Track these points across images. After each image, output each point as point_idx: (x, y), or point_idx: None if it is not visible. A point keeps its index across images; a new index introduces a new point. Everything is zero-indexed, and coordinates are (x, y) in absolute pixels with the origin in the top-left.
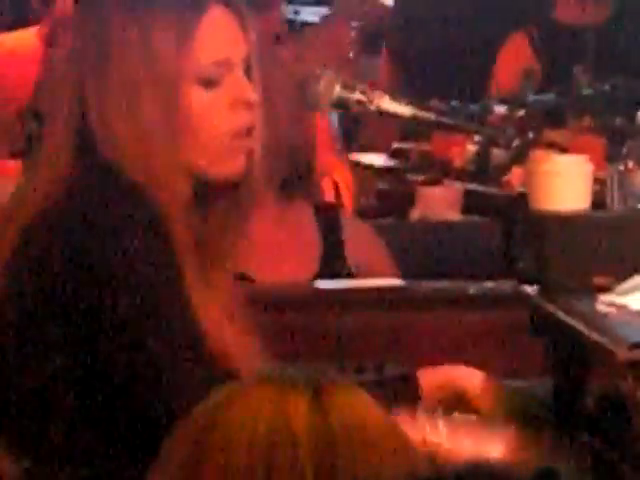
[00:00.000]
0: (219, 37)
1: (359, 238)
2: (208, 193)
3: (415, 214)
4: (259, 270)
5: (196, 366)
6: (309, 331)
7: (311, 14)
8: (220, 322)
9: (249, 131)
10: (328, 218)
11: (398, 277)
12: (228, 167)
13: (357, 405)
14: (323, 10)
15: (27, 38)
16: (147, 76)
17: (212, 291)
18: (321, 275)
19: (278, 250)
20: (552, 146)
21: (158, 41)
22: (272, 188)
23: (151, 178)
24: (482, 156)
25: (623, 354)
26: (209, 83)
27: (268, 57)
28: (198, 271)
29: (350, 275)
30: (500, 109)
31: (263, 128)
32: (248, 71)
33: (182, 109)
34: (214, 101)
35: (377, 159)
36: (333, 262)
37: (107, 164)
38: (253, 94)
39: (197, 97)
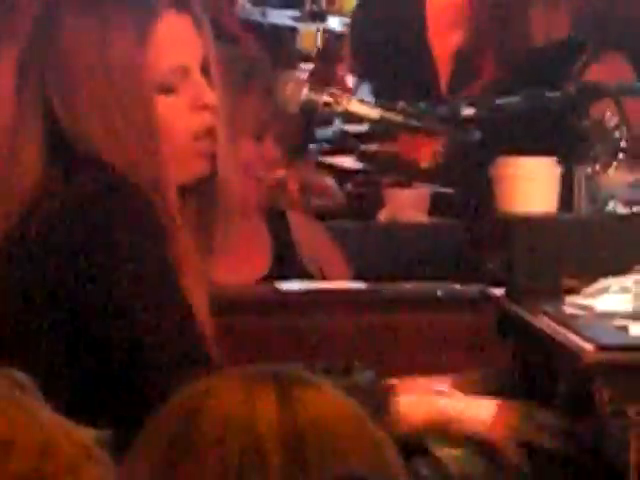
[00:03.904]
0: (174, 43)
1: (311, 236)
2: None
3: (383, 216)
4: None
5: (187, 348)
6: (273, 334)
7: (279, 17)
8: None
9: (209, 131)
10: (275, 217)
11: (348, 275)
12: (191, 170)
13: (325, 402)
14: (291, 12)
15: None
16: (108, 87)
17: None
18: (275, 275)
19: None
20: None
21: (114, 52)
22: None
23: (133, 176)
24: (450, 158)
25: (590, 356)
26: (167, 89)
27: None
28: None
29: (306, 274)
30: (468, 111)
31: (223, 128)
32: (206, 72)
33: (146, 116)
34: (174, 106)
35: (345, 161)
36: (286, 261)
37: (86, 160)
38: (211, 96)
39: (157, 104)
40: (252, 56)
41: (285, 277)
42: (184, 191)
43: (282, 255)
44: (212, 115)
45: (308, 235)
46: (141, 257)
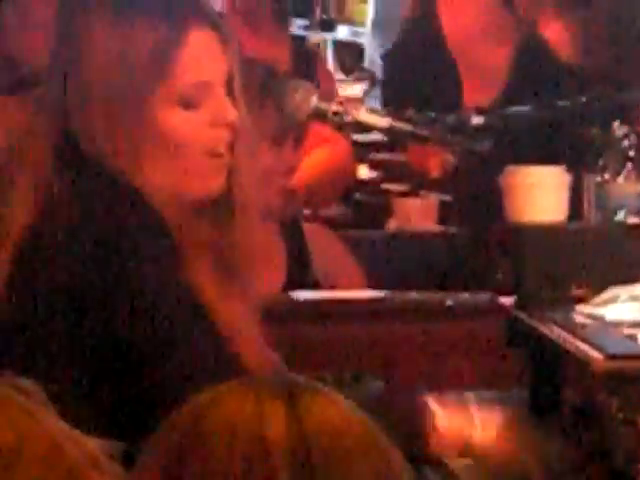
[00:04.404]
0: (200, 59)
1: (325, 247)
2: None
3: (392, 225)
4: None
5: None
6: (285, 342)
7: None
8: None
9: (229, 148)
10: (290, 228)
11: (364, 286)
12: (206, 186)
13: (333, 411)
14: (300, 22)
15: None
16: (127, 97)
17: (230, 299)
18: (289, 285)
19: None
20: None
21: (137, 63)
22: None
23: (144, 187)
24: (459, 167)
25: (599, 365)
26: (188, 103)
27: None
28: (213, 274)
29: (317, 284)
30: (478, 120)
31: (242, 145)
32: (229, 89)
33: (164, 130)
34: (194, 121)
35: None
36: (299, 271)
37: (98, 172)
38: (233, 114)
39: (177, 117)
40: (268, 63)
41: (299, 286)
42: (201, 209)
43: (297, 264)
44: (231, 132)
45: (322, 244)
46: (147, 269)
